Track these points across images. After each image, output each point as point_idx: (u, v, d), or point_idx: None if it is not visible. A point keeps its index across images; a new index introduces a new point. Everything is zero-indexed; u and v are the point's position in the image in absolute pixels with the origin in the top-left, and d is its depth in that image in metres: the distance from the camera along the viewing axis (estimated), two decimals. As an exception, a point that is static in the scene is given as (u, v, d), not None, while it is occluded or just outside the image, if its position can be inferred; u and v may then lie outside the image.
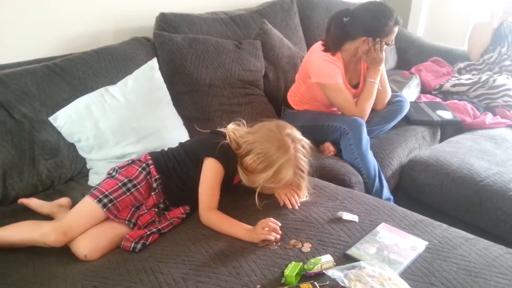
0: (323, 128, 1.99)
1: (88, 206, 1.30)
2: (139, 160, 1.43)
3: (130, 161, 1.43)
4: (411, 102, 2.26)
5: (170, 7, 2.13)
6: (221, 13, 2.33)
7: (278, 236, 1.24)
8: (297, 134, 1.41)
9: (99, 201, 1.29)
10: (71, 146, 1.65)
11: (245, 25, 2.34)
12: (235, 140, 1.41)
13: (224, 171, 1.37)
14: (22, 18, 1.76)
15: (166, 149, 1.52)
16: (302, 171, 1.38)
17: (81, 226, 1.26)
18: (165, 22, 2.06)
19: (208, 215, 1.33)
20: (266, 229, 1.23)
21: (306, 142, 1.41)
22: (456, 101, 2.47)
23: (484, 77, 2.55)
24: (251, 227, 1.27)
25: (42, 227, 1.25)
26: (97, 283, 1.11)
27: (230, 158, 1.38)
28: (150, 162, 1.42)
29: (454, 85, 2.59)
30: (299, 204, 1.42)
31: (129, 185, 1.35)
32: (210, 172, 1.36)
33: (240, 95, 2.10)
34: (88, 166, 1.69)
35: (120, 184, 1.34)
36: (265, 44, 2.26)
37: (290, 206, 1.40)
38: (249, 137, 1.39)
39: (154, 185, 1.38)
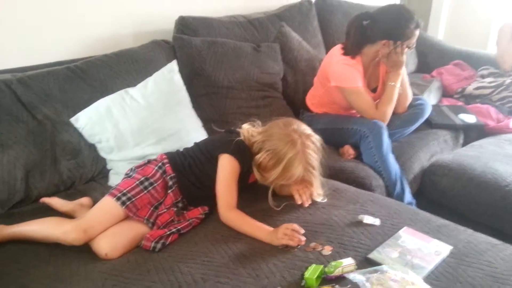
0: (342, 131, 1.97)
1: (107, 205, 1.31)
2: (155, 160, 1.45)
3: (146, 161, 1.45)
4: (433, 106, 2.22)
5: (189, 11, 2.15)
6: (240, 16, 2.33)
7: (302, 241, 1.22)
8: (306, 129, 1.39)
9: (118, 199, 1.30)
10: (92, 147, 1.67)
11: (264, 28, 2.34)
12: (248, 139, 1.42)
13: (239, 167, 1.37)
14: (44, 22, 1.79)
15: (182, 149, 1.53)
16: (313, 166, 1.36)
17: (100, 224, 1.27)
18: (184, 25, 2.08)
19: (228, 214, 1.33)
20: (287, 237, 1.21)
21: (316, 138, 1.39)
22: (479, 104, 2.42)
23: (508, 80, 2.48)
24: (272, 229, 1.26)
25: (64, 225, 1.27)
26: (117, 282, 1.11)
27: (245, 154, 1.38)
28: (165, 161, 1.43)
29: (477, 88, 2.53)
30: (310, 201, 1.40)
31: (146, 183, 1.36)
32: (226, 168, 1.37)
33: (259, 98, 2.10)
34: (108, 166, 1.70)
35: (137, 182, 1.35)
36: (284, 47, 2.26)
37: (299, 202, 1.39)
38: (260, 136, 1.40)
39: (170, 183, 1.39)
